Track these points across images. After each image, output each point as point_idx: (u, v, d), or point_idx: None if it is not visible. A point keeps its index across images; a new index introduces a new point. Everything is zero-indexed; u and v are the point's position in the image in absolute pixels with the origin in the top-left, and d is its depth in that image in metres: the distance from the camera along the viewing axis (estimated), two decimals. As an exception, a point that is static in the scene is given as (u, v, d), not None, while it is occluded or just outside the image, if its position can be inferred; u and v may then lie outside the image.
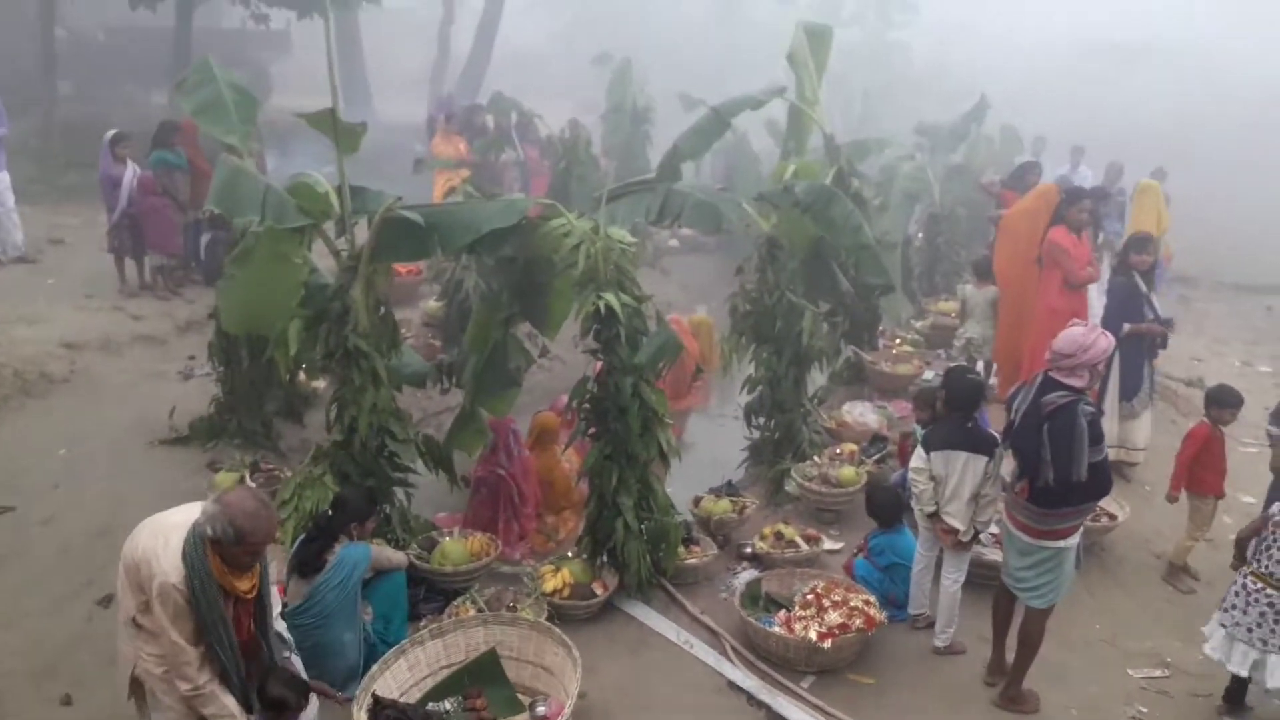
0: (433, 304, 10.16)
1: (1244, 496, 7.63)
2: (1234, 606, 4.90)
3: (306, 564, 4.71)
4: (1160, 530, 7.04)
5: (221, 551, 3.36)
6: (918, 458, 5.34)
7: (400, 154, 14.60)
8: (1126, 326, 7.40)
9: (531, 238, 5.82)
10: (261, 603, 3.63)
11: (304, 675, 3.94)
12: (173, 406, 7.58)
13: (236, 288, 6.12)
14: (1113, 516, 6.62)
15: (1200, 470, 6.42)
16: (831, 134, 9.33)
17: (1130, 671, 5.52)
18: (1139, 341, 7.53)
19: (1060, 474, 4.47)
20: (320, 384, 8.24)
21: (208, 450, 7.23)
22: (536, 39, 31.85)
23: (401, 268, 10.58)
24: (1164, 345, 7.82)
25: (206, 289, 10.20)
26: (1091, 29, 35.62)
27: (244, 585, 3.48)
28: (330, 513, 5.05)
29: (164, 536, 3.34)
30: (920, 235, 12.65)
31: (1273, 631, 4.74)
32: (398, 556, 5.32)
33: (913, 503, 5.46)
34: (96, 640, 5.08)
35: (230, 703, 3.47)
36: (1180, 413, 9.30)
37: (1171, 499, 6.52)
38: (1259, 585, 4.81)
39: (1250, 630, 4.81)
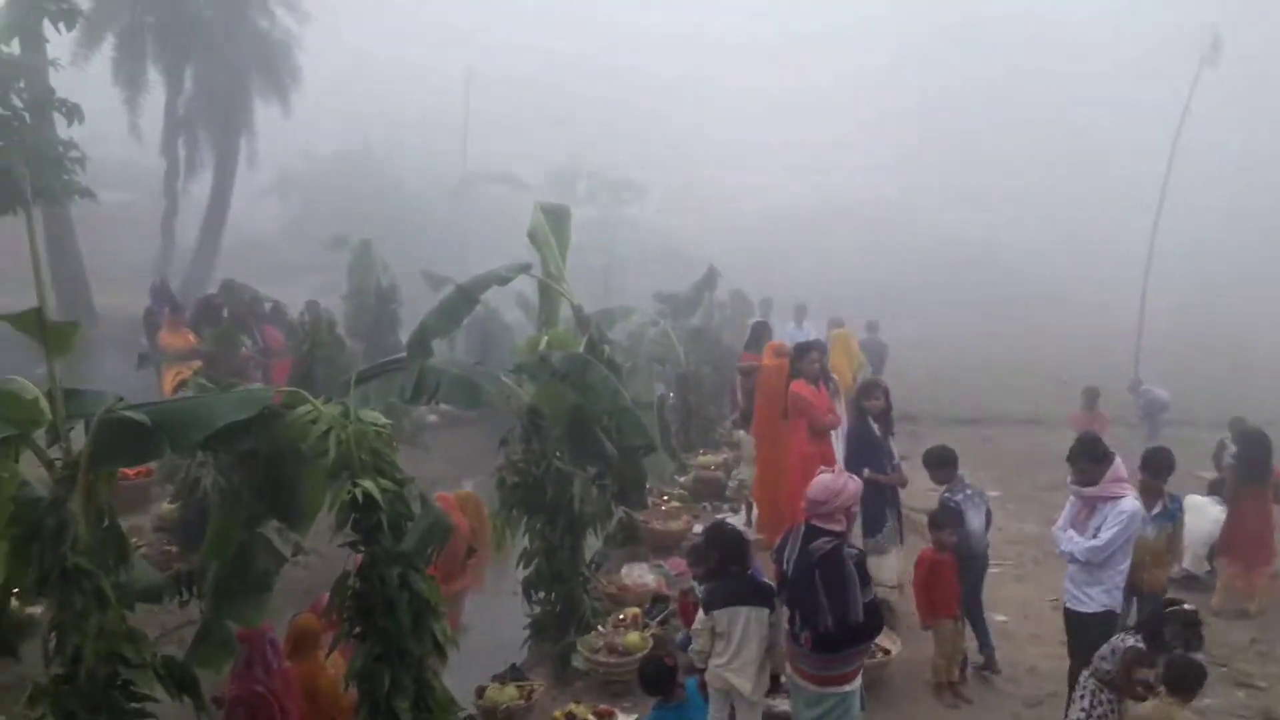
0: (166, 506, 9.27)
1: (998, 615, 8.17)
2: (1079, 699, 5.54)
3: None
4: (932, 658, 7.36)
5: None
6: (699, 620, 5.32)
7: (125, 349, 13.54)
8: (866, 472, 7.98)
9: (275, 428, 5.44)
10: None
11: None
12: None
13: (-74, 512, 5.26)
14: (886, 651, 6.87)
15: (932, 595, 6.81)
16: (580, 305, 9.63)
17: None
18: (878, 485, 8.11)
19: (838, 616, 4.62)
20: (36, 609, 7.16)
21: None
22: (267, 227, 31.20)
23: (129, 470, 9.61)
24: (904, 485, 8.43)
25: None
26: (793, 199, 39.83)
27: None
28: None
29: None
30: (671, 395, 13.17)
31: None
32: None
33: (696, 661, 5.40)
34: None
35: None
36: (927, 541, 9.94)
37: (925, 627, 6.90)
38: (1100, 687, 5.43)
39: None
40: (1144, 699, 5.24)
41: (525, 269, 9.07)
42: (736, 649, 5.18)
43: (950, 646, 6.86)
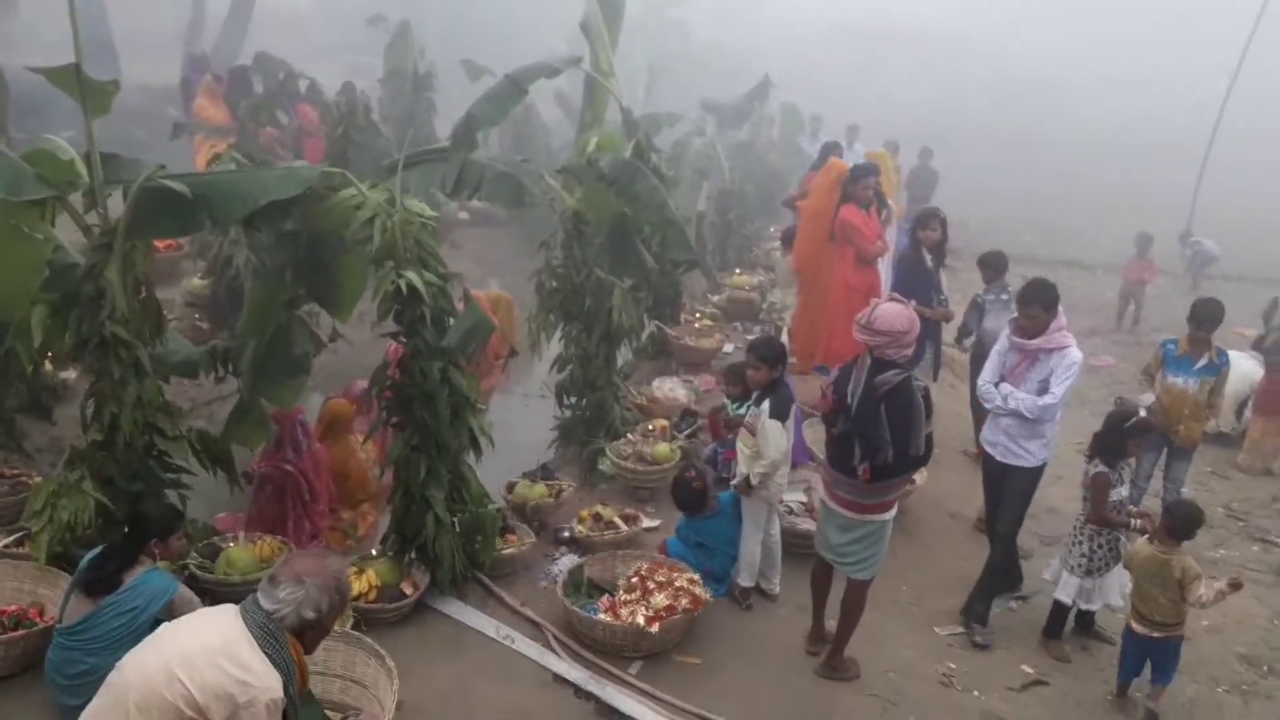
0: (197, 281, 9.20)
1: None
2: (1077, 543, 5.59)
3: (98, 582, 4.04)
4: (951, 491, 7.43)
5: (307, 634, 3.03)
6: (771, 427, 5.25)
7: (153, 119, 13.14)
8: (913, 303, 7.77)
9: (317, 210, 5.27)
10: None
11: None
12: (-111, 408, 6.42)
13: (-36, 268, 5.18)
14: (912, 481, 6.90)
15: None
16: (629, 108, 9.19)
17: (937, 630, 5.77)
18: (922, 318, 7.94)
19: (899, 449, 4.58)
20: (70, 374, 7.26)
21: (-64, 455, 6.19)
22: (301, 1, 29.79)
23: (159, 242, 9.50)
24: (948, 320, 8.26)
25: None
26: (855, 14, 37.59)
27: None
28: (128, 527, 4.35)
29: (228, 657, 2.83)
30: (711, 211, 12.83)
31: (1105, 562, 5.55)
32: None
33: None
34: None
35: None
36: (957, 376, 9.89)
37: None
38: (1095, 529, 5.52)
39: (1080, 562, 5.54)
40: (1128, 524, 5.45)
41: (575, 62, 8.60)
42: (779, 461, 5.25)
43: None
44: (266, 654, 2.86)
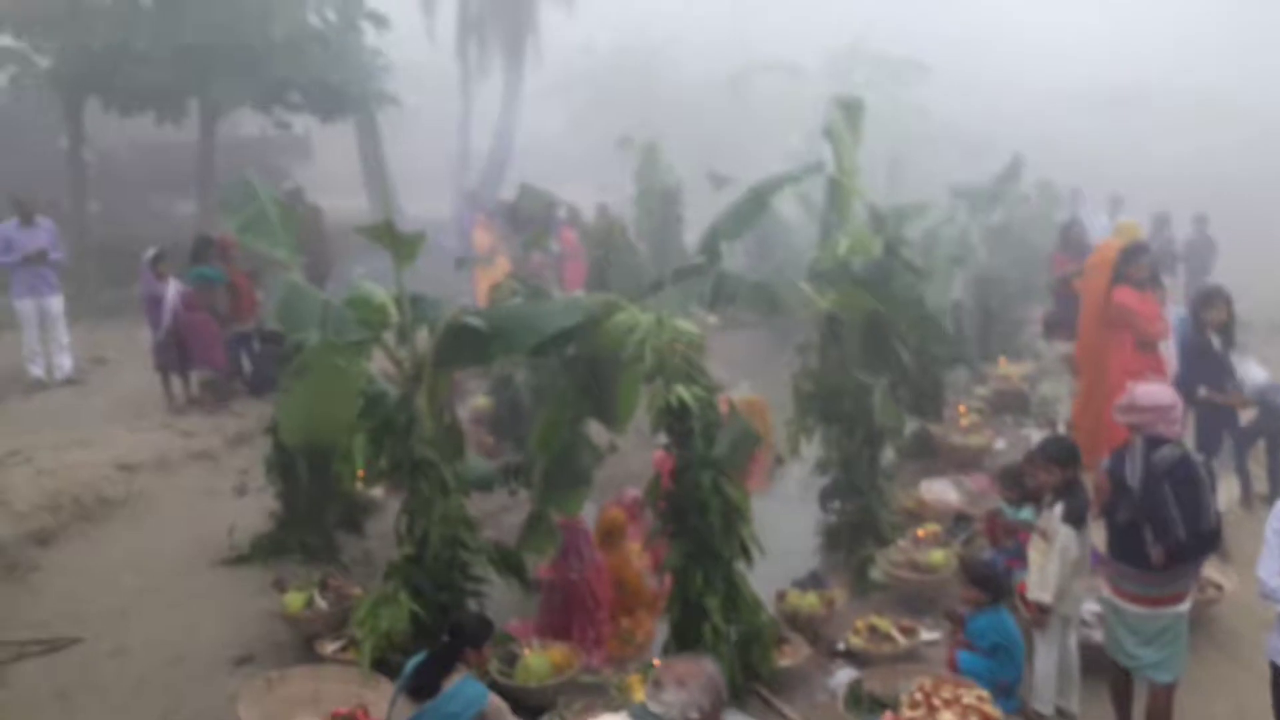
0: (482, 400, 10.03)
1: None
2: None
3: (424, 688, 4.45)
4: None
5: None
6: (1068, 535, 5.01)
7: (431, 250, 14.61)
8: (1203, 390, 7.19)
9: (595, 335, 5.69)
10: None
11: None
12: (231, 525, 7.43)
13: (295, 401, 5.98)
14: (1219, 586, 6.27)
15: None
16: (875, 205, 9.22)
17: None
18: (1215, 406, 7.30)
19: (1190, 526, 4.44)
20: (378, 492, 8.08)
21: (270, 568, 7.04)
22: (550, 126, 32.31)
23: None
24: (1244, 406, 7.56)
25: (254, 402, 10.15)
26: (1084, 76, 35.69)
27: None
28: (448, 637, 4.79)
29: None
30: (969, 299, 12.43)
31: None
32: None
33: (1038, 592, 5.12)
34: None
35: None
36: (1262, 467, 8.90)
37: None
38: None
39: None
40: None
41: (818, 169, 8.77)
42: (1073, 571, 4.99)
43: None
44: None
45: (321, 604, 6.20)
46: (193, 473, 8.74)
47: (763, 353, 13.06)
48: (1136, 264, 7.84)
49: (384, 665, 5.39)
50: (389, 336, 5.87)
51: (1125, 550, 4.68)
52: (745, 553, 5.60)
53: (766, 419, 9.89)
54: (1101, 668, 5.22)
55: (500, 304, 7.33)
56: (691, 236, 12.72)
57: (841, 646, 5.98)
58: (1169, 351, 8.36)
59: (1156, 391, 4.81)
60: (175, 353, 10.06)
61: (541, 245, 12.31)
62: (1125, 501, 4.62)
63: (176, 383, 10.20)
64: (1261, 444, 7.98)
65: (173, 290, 9.96)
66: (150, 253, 10.14)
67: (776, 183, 8.04)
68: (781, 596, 6.39)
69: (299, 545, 7.22)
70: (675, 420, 5.38)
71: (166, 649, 6.00)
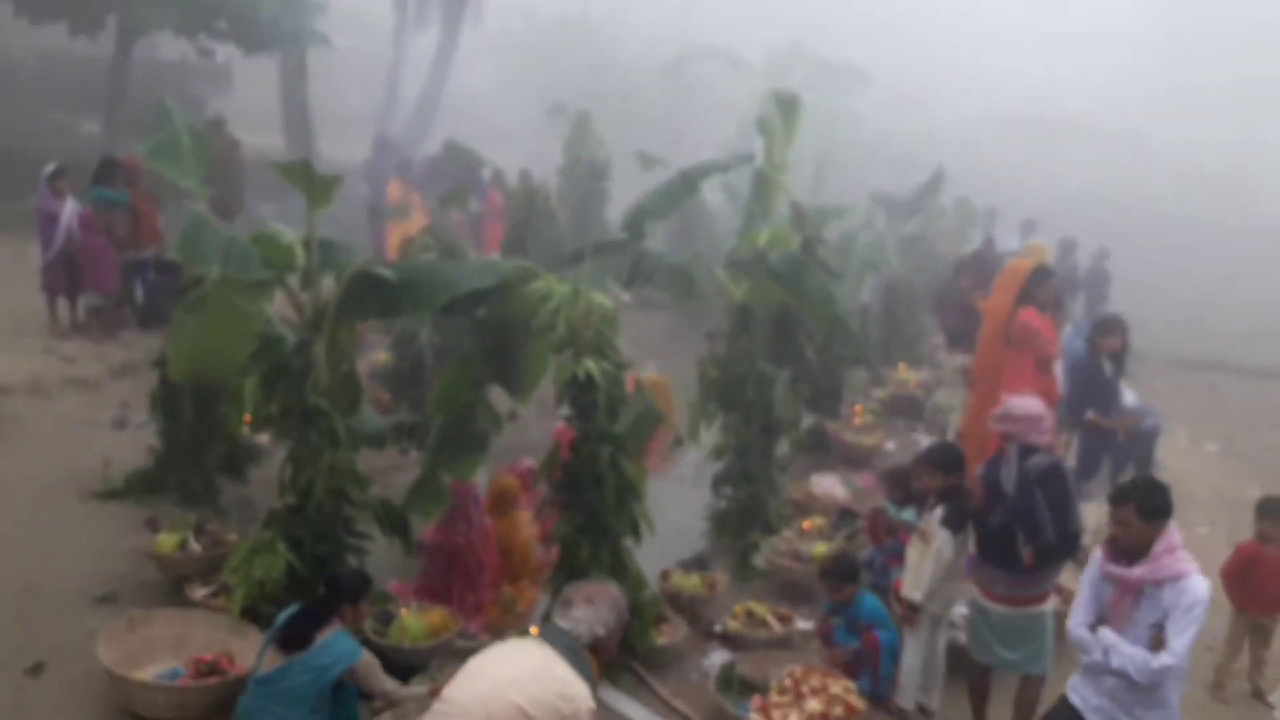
0: (383, 355, 9.82)
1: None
2: None
3: (295, 639, 4.34)
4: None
5: (599, 649, 3.39)
6: (945, 539, 5.14)
7: (344, 196, 14.25)
8: (1089, 413, 7.49)
9: (508, 299, 5.62)
10: None
11: None
12: (107, 458, 7.12)
13: (187, 336, 5.76)
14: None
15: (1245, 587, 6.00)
16: (798, 202, 9.34)
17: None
18: (1099, 429, 7.61)
19: (1059, 528, 4.79)
20: (264, 438, 7.85)
21: (144, 506, 6.78)
22: (481, 87, 31.68)
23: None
24: (1127, 433, 7.89)
25: (142, 333, 9.75)
26: (1015, 103, 36.75)
27: None
28: (324, 590, 4.68)
29: (549, 676, 3.19)
30: (877, 303, 12.73)
31: None
32: (387, 685, 4.59)
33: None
34: (27, 713, 4.67)
35: None
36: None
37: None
38: None
39: None
40: None
41: (748, 159, 8.82)
42: (947, 573, 5.17)
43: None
44: (575, 669, 3.22)
45: (196, 547, 6.00)
46: (70, 401, 8.34)
47: (672, 335, 13.15)
48: (1044, 286, 8.06)
49: (255, 615, 5.24)
50: (293, 280, 5.68)
51: (996, 553, 5.00)
52: (635, 530, 5.64)
53: (670, 400, 9.93)
54: (965, 668, 5.43)
55: (412, 258, 7.19)
56: (614, 213, 12.69)
57: (718, 629, 6.07)
58: (1057, 372, 8.71)
59: (1029, 403, 5.12)
60: (65, 274, 9.59)
61: (461, 204, 12.09)
62: (999, 505, 4.92)
63: (63, 305, 9.74)
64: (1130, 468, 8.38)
65: (69, 209, 9.48)
66: (49, 169, 9.62)
67: (706, 169, 8.05)
68: (666, 576, 6.46)
69: (177, 485, 6.97)
70: (580, 393, 5.37)
71: (23, 579, 5.71)
